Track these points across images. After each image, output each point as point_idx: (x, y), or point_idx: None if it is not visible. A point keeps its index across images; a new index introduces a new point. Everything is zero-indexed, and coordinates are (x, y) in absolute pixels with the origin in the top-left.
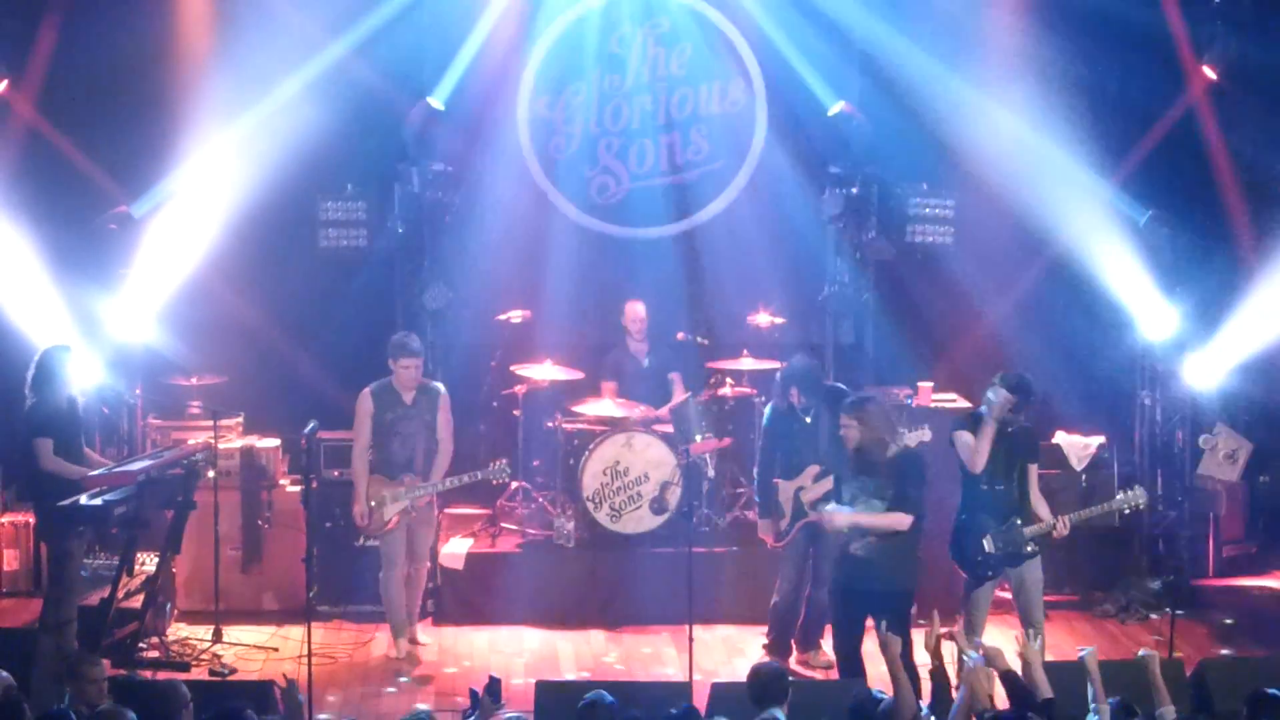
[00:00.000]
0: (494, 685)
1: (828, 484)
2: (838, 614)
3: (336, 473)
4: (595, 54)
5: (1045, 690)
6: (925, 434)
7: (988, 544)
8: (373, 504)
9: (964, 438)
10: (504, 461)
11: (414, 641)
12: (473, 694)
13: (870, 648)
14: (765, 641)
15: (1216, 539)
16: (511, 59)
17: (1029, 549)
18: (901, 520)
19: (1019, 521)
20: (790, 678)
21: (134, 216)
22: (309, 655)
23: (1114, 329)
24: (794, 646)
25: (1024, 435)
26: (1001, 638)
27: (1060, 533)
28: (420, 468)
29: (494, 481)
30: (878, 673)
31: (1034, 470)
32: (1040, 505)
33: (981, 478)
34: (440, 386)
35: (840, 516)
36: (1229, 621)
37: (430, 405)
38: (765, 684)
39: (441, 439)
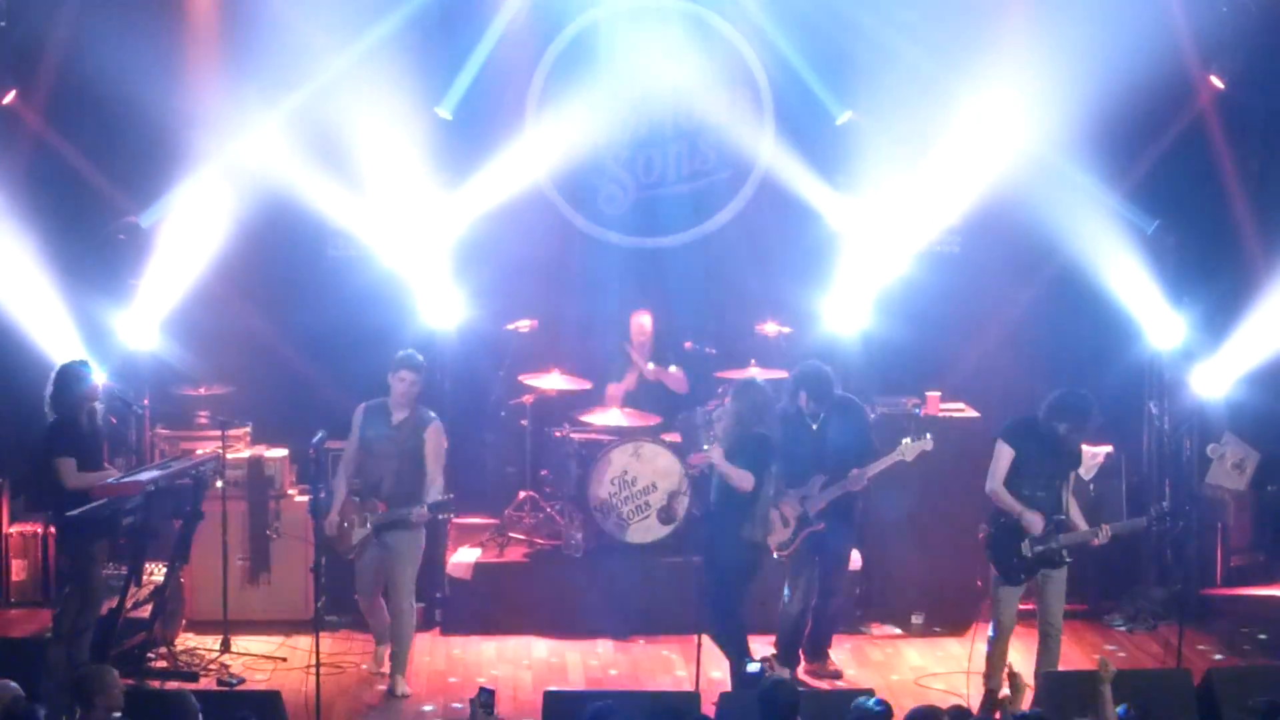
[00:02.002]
0: (485, 695)
1: (833, 494)
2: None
3: None
4: (603, 64)
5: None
6: (928, 443)
7: (1025, 548)
8: (344, 524)
9: (1001, 454)
10: (446, 496)
11: (396, 694)
12: (471, 703)
13: (877, 657)
14: (773, 651)
15: (1224, 548)
16: (520, 68)
17: (1065, 555)
18: (745, 477)
19: (1053, 529)
20: (800, 689)
21: (142, 226)
22: (317, 665)
23: (1121, 338)
24: (801, 656)
25: (1068, 445)
26: (1015, 650)
27: (1102, 540)
28: (388, 493)
29: (440, 515)
30: (886, 682)
31: (1071, 475)
32: (1073, 509)
33: (1024, 485)
34: (433, 415)
35: (713, 454)
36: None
37: (415, 432)
38: (776, 698)
39: (429, 469)
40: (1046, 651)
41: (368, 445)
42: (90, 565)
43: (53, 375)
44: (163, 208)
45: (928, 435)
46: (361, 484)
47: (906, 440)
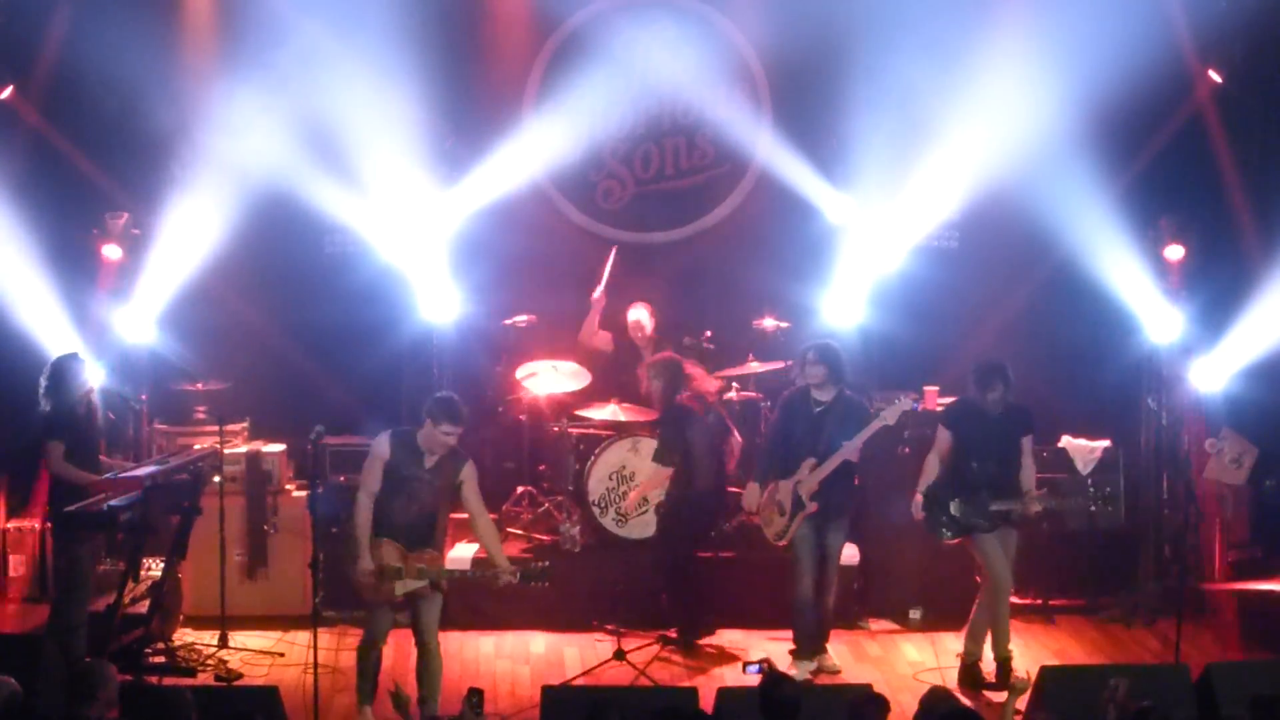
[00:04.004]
0: (475, 696)
1: (824, 471)
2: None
3: (343, 478)
4: (601, 59)
5: None
6: (905, 403)
7: (954, 508)
8: (383, 572)
9: (939, 436)
10: (544, 564)
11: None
12: (463, 703)
13: (875, 651)
14: (791, 648)
15: (1222, 543)
16: (518, 63)
17: (986, 523)
18: (660, 473)
19: (986, 494)
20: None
21: (139, 222)
22: (315, 661)
23: (1120, 333)
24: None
25: (1012, 414)
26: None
27: (1028, 509)
28: (437, 541)
29: (533, 584)
30: (882, 676)
31: (1027, 442)
32: (1027, 474)
33: (974, 460)
34: (467, 457)
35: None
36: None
37: (452, 473)
38: (777, 695)
39: (477, 513)
40: (980, 623)
41: (399, 484)
42: (82, 560)
43: (47, 369)
44: (160, 203)
45: (902, 397)
46: (383, 523)
47: (884, 406)
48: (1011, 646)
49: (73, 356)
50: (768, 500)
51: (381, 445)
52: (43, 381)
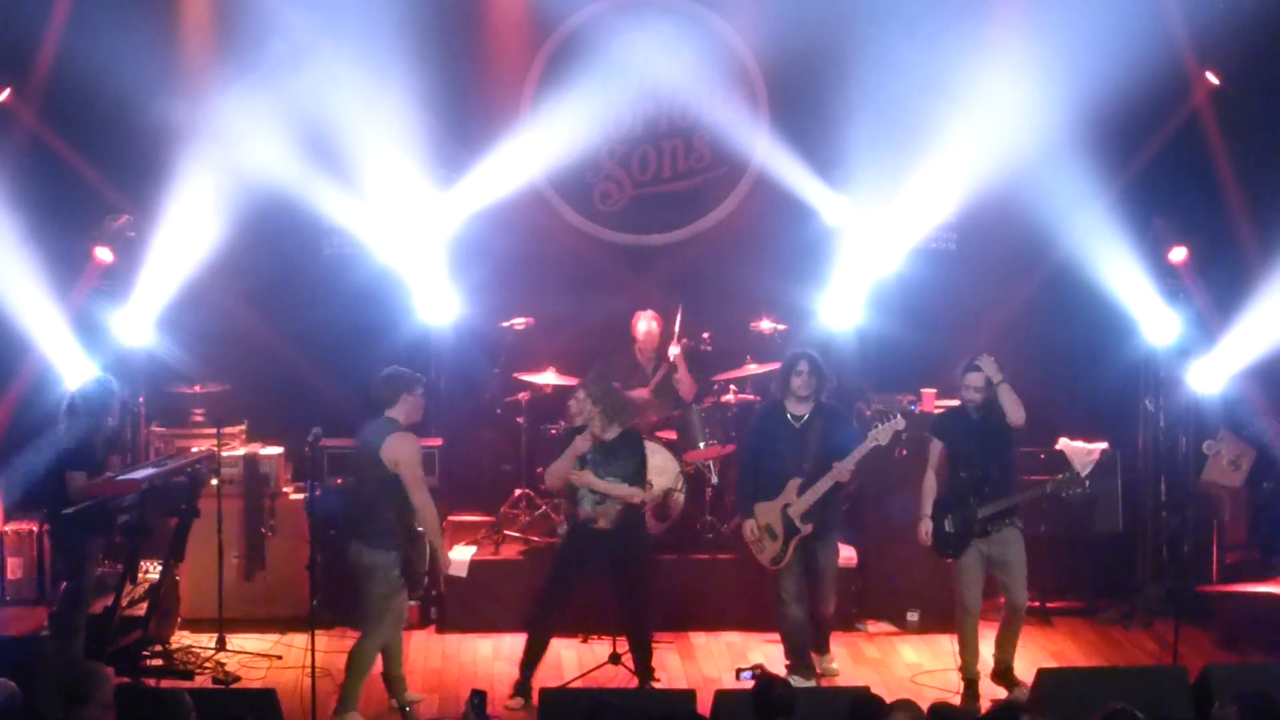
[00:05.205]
0: (478, 698)
1: (815, 494)
2: (568, 574)
3: (340, 480)
4: (599, 61)
5: None
6: (898, 422)
7: (948, 524)
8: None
9: (931, 448)
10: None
11: (408, 707)
12: (466, 706)
13: (873, 654)
14: (787, 663)
15: (1220, 545)
16: (515, 65)
17: (977, 527)
18: (636, 494)
19: (973, 500)
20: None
21: (137, 223)
22: (313, 663)
23: (1117, 335)
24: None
25: (993, 408)
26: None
27: (1024, 498)
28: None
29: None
30: (880, 679)
31: (1014, 449)
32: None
33: (961, 468)
34: None
35: (588, 478)
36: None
37: None
38: (770, 697)
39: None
40: (1007, 630)
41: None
42: (84, 563)
43: (77, 393)
44: (158, 204)
45: (898, 415)
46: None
47: (877, 425)
48: (979, 669)
49: (107, 385)
50: (755, 524)
51: (417, 443)
52: (70, 404)
